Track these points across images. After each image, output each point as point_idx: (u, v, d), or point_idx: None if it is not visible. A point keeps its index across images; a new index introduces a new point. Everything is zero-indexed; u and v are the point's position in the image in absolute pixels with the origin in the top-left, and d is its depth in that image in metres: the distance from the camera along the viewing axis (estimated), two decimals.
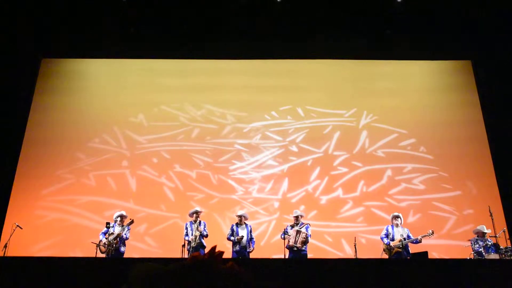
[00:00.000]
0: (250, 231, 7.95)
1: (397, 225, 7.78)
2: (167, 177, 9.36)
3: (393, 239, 7.66)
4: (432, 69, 10.19)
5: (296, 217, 7.92)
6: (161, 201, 9.18)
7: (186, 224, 7.87)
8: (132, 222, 7.71)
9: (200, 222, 7.79)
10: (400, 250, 7.52)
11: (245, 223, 8.01)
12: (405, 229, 7.80)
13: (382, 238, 7.79)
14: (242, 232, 7.82)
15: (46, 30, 9.54)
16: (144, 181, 9.32)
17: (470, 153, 9.39)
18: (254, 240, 7.95)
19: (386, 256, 7.65)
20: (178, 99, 9.91)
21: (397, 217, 7.84)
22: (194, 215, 7.83)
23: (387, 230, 7.79)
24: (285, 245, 7.51)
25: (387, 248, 7.65)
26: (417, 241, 7.55)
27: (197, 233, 7.59)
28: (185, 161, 9.46)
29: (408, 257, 7.43)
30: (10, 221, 8.34)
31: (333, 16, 9.44)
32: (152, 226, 8.98)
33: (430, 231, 7.43)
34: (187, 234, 7.72)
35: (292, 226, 7.84)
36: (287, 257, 7.47)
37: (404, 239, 7.56)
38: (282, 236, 7.58)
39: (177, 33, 9.77)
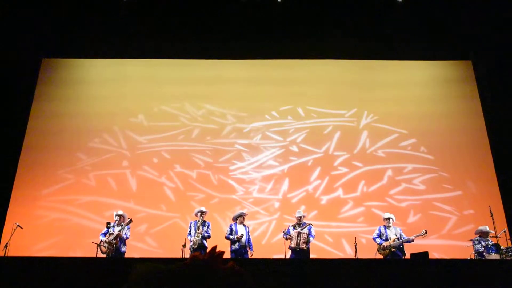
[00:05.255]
0: (248, 232, 7.94)
1: (389, 226, 7.81)
2: (168, 177, 9.36)
3: (386, 239, 7.69)
4: (432, 69, 10.18)
5: (299, 218, 7.92)
6: (162, 201, 9.18)
7: (191, 223, 7.88)
8: (130, 221, 7.73)
9: (204, 222, 7.79)
10: (395, 250, 7.55)
11: (243, 223, 8.01)
12: (397, 229, 7.86)
13: (374, 239, 7.83)
14: (241, 231, 7.81)
15: (46, 30, 9.54)
16: (145, 181, 9.32)
17: (470, 153, 9.39)
18: (251, 242, 7.91)
19: (380, 256, 7.66)
20: (178, 99, 9.91)
21: (388, 218, 7.89)
22: (199, 214, 7.82)
23: (380, 231, 7.84)
24: (288, 246, 7.54)
25: (381, 248, 7.67)
26: (409, 241, 7.59)
27: (199, 236, 7.57)
28: (186, 161, 9.46)
29: (403, 257, 7.46)
30: (11, 221, 8.35)
31: (333, 16, 9.44)
32: (153, 226, 8.98)
33: (424, 231, 7.50)
34: (190, 233, 7.72)
35: (294, 227, 7.84)
36: (288, 257, 7.48)
37: (398, 238, 7.61)
38: (285, 236, 7.61)
39: (177, 33, 9.78)
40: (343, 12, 9.36)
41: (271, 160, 9.50)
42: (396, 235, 7.70)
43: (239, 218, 7.98)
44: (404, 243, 7.65)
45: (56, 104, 9.84)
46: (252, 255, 7.70)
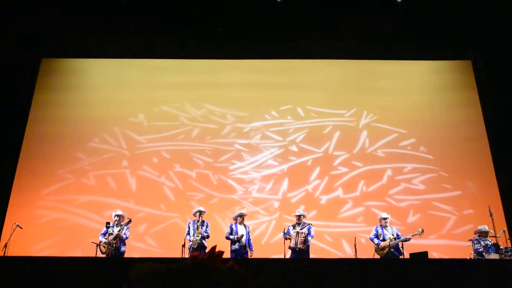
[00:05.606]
0: (249, 232, 7.95)
1: (386, 226, 7.83)
2: (167, 177, 9.36)
3: (384, 239, 7.70)
4: (432, 69, 10.19)
5: (298, 217, 7.93)
6: (161, 201, 9.18)
7: (189, 223, 7.88)
8: (129, 221, 7.73)
9: (203, 222, 7.79)
10: (393, 249, 7.56)
11: (243, 223, 8.02)
12: (394, 228, 7.87)
13: (372, 239, 7.85)
14: (242, 231, 7.82)
15: (46, 29, 9.53)
16: (144, 181, 9.32)
17: (470, 153, 9.39)
18: (251, 242, 7.92)
19: (378, 257, 7.67)
20: (178, 99, 9.91)
21: (385, 218, 7.90)
22: (198, 213, 7.82)
23: (377, 231, 7.86)
24: (288, 246, 7.57)
25: (379, 248, 7.68)
26: (406, 240, 7.60)
27: (198, 236, 7.58)
28: (185, 161, 9.46)
29: (400, 256, 7.46)
30: (10, 220, 8.34)
31: (333, 16, 9.43)
32: (152, 226, 8.98)
33: (420, 230, 7.52)
34: (188, 233, 7.73)
35: (294, 226, 7.85)
36: (287, 257, 7.48)
37: (395, 238, 7.62)
38: (284, 236, 7.63)
39: (177, 33, 9.77)
40: (343, 12, 9.35)
41: (270, 160, 9.50)
42: (393, 235, 7.72)
43: (239, 218, 7.99)
44: (401, 242, 7.65)
45: (56, 104, 9.83)
46: (252, 255, 7.70)
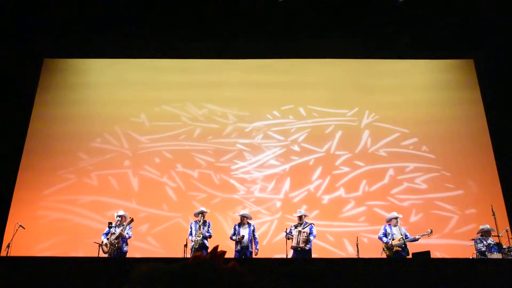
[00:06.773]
0: (253, 231, 7.96)
1: (395, 225, 7.82)
2: (169, 177, 9.36)
3: (392, 239, 7.68)
4: (434, 68, 10.17)
5: (300, 217, 7.94)
6: (163, 201, 9.19)
7: (191, 223, 7.91)
8: (131, 221, 7.75)
9: (205, 222, 7.81)
10: (400, 249, 7.54)
11: (248, 222, 8.02)
12: (402, 228, 7.85)
13: (380, 238, 7.81)
14: (244, 232, 7.85)
15: (48, 29, 9.54)
16: (146, 181, 9.33)
17: (472, 152, 9.37)
18: (257, 240, 7.94)
19: (385, 255, 7.66)
20: (179, 99, 9.91)
21: (396, 218, 7.88)
22: (200, 215, 7.84)
23: (385, 230, 7.83)
24: (290, 246, 7.58)
25: (387, 247, 7.66)
26: (415, 240, 7.58)
27: (200, 236, 7.59)
28: (187, 161, 9.46)
29: (407, 256, 7.45)
30: (13, 221, 8.36)
31: (334, 15, 9.42)
32: (154, 226, 8.99)
33: (429, 230, 7.49)
34: (191, 234, 7.75)
35: (296, 226, 7.86)
36: (289, 256, 7.49)
37: (403, 238, 7.60)
38: (287, 236, 7.64)
39: (178, 33, 9.77)
40: (344, 12, 9.33)
41: (272, 159, 9.49)
42: (401, 235, 7.69)
43: (241, 219, 8.02)
44: (407, 243, 7.64)
45: (58, 104, 9.85)
46: (256, 254, 7.72)
